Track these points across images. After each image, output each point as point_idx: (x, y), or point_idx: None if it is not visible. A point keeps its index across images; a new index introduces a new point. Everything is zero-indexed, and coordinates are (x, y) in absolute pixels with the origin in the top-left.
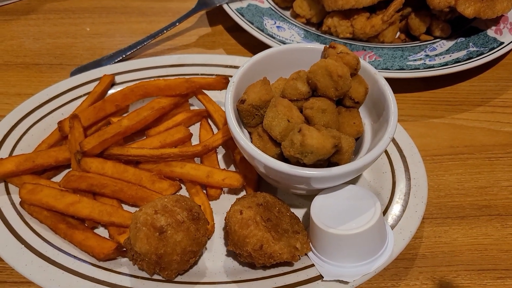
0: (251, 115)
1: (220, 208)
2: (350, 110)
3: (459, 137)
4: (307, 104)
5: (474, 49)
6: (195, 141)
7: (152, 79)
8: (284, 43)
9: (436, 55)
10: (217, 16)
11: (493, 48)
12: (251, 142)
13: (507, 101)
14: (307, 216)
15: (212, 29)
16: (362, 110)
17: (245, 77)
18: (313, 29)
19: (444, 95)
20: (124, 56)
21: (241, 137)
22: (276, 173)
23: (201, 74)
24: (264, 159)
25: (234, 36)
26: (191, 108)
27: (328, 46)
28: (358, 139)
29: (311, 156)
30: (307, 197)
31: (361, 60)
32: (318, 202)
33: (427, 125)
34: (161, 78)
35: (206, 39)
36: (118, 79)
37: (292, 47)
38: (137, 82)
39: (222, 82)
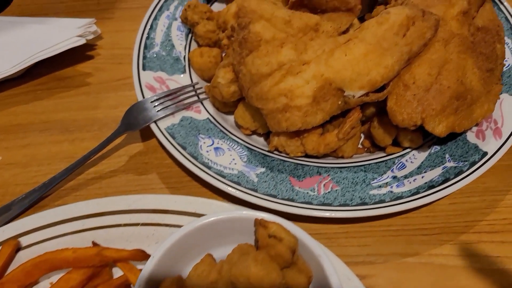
0: None
1: None
2: None
3: (440, 283)
4: None
5: (452, 164)
6: None
7: (60, 250)
8: (221, 175)
9: (405, 177)
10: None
11: (474, 163)
12: None
13: (495, 224)
14: None
15: (144, 145)
16: None
17: (169, 252)
18: (260, 146)
19: (420, 221)
20: (37, 197)
21: None
22: None
23: (124, 225)
24: None
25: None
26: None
27: (259, 221)
28: None
29: None
30: None
31: (303, 236)
32: None
33: (400, 268)
34: (70, 248)
35: (138, 160)
36: (24, 240)
37: (222, 219)
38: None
39: (139, 256)
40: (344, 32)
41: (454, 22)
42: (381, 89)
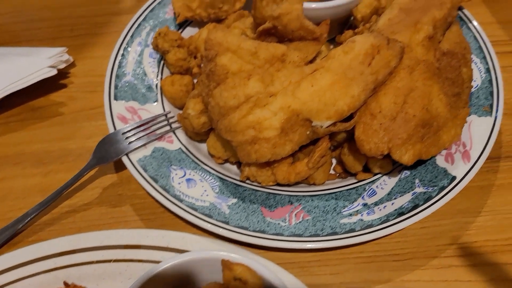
0: None
1: None
2: None
3: None
4: None
5: (421, 190)
6: None
7: None
8: (193, 207)
9: (375, 204)
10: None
11: (443, 188)
12: None
13: (466, 247)
14: None
15: (117, 176)
16: None
17: None
18: (233, 175)
19: (391, 246)
20: (11, 235)
21: None
22: None
23: (96, 262)
24: None
25: None
26: None
27: (224, 262)
28: None
29: None
30: None
31: (269, 276)
32: None
33: None
34: None
35: (111, 192)
36: None
37: (187, 260)
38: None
39: None
40: (311, 60)
41: (419, 48)
42: (349, 118)
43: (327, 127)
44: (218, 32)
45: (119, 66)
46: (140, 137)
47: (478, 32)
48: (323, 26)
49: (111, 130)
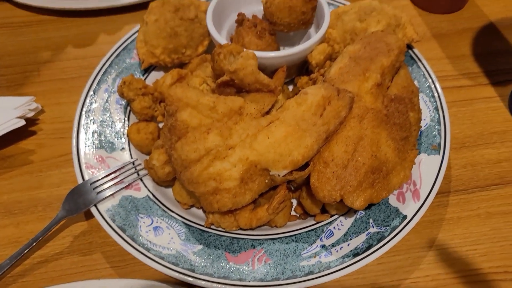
0: None
1: None
2: None
3: None
4: None
5: (375, 230)
6: None
7: None
8: (160, 256)
9: (333, 245)
10: None
11: (395, 228)
12: None
13: (418, 281)
14: None
15: (88, 223)
16: None
17: None
18: (199, 220)
19: (350, 283)
20: None
21: None
22: None
23: None
24: None
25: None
26: None
27: None
28: None
29: None
30: None
31: None
32: None
33: None
34: None
35: (82, 240)
36: None
37: None
38: None
39: None
40: (268, 111)
41: (368, 97)
42: (305, 165)
43: (284, 175)
44: (178, 88)
45: (87, 114)
46: (108, 187)
47: (427, 71)
48: (280, 73)
49: (79, 180)
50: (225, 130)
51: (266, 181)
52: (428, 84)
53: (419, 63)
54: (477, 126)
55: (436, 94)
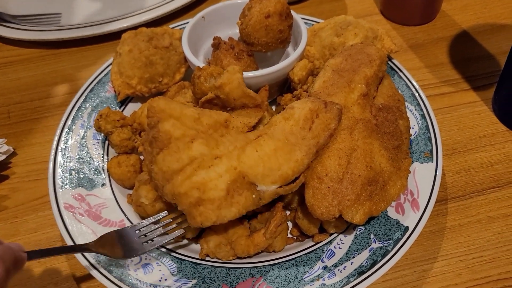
0: None
1: None
2: None
3: None
4: None
5: (377, 245)
6: None
7: None
8: None
9: (335, 265)
10: None
11: (398, 240)
12: None
13: None
14: None
15: (68, 264)
16: None
17: None
18: (191, 253)
19: None
20: None
21: None
22: None
23: None
24: None
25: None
26: None
27: None
28: None
29: None
30: None
31: None
32: None
33: None
34: None
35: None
36: None
37: None
38: None
39: None
40: (254, 126)
41: (356, 107)
42: (295, 180)
43: (272, 191)
44: (161, 100)
45: (62, 152)
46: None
47: (409, 80)
48: (262, 92)
49: (59, 222)
50: (211, 140)
51: (254, 196)
52: (411, 92)
53: (400, 73)
54: (465, 131)
55: (421, 102)
